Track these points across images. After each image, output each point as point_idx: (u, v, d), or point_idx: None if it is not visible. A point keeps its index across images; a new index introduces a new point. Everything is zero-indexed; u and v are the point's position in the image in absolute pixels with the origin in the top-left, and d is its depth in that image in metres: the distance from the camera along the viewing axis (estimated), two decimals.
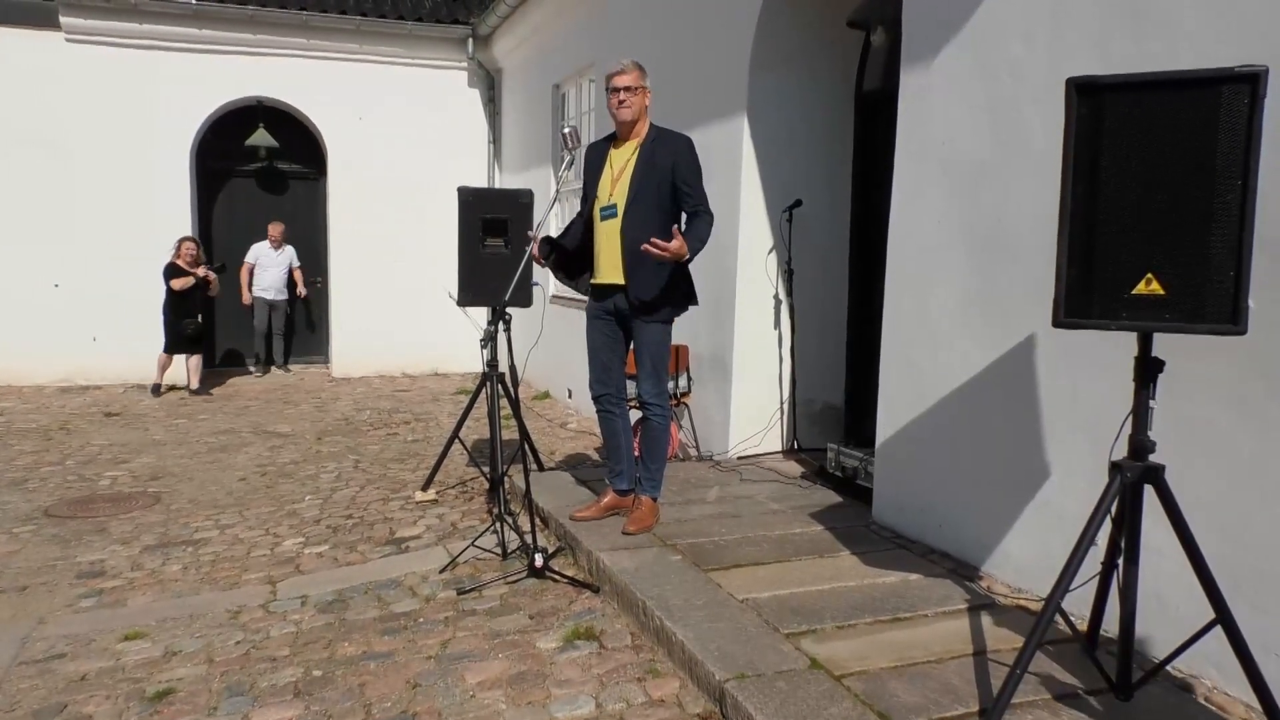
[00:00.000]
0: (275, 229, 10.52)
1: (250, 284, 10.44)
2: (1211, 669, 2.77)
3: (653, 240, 3.88)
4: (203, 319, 9.51)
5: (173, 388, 9.56)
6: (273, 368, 10.92)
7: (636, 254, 4.09)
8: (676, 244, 3.90)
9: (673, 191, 4.15)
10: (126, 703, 3.02)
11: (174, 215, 9.88)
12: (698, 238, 4.07)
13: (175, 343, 9.29)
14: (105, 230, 9.60)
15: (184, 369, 9.40)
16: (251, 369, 10.68)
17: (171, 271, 9.11)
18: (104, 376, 9.71)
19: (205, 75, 9.91)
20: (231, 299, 10.31)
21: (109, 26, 9.48)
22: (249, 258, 10.44)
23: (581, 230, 4.36)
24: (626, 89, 4.14)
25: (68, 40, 9.43)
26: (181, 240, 9.28)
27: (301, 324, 11.29)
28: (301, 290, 10.81)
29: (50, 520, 5.10)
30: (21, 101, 9.44)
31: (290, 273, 10.69)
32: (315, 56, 10.26)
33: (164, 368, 9.38)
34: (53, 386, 9.65)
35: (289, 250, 10.67)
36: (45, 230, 9.59)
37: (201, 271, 9.24)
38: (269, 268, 10.49)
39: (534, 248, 4.27)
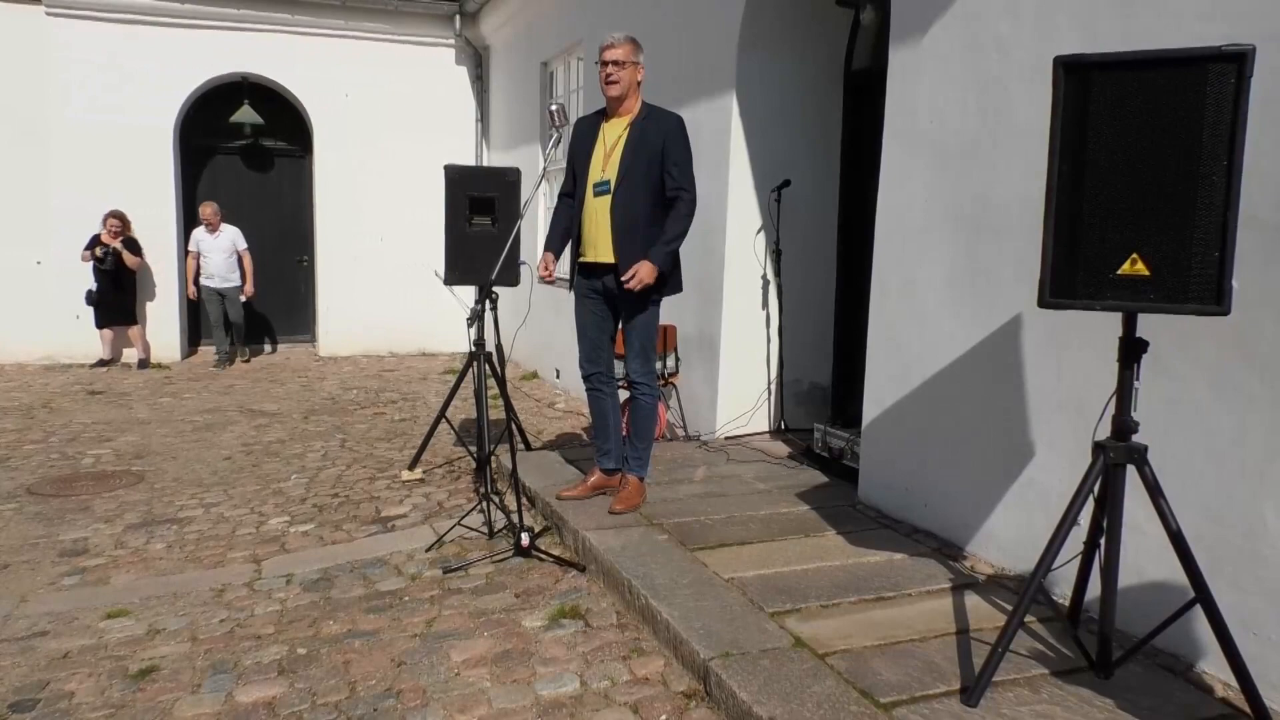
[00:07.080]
0: (206, 210, 9.72)
1: (198, 274, 9.75)
2: (1191, 647, 2.79)
3: (624, 281, 4.02)
4: (117, 288, 9.47)
5: (159, 365, 9.73)
6: (237, 359, 10.08)
7: (626, 232, 4.08)
8: (645, 269, 4.00)
9: (662, 171, 4.12)
10: (109, 680, 3.01)
11: (157, 192, 9.81)
12: (675, 233, 4.10)
13: (96, 314, 9.55)
14: (87, 207, 9.45)
15: (136, 342, 9.69)
16: (213, 365, 9.85)
17: (91, 243, 9.30)
18: (87, 355, 9.63)
19: (189, 50, 9.78)
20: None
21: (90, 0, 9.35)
22: (191, 246, 9.77)
23: (568, 216, 4.32)
24: (615, 63, 4.09)
25: (48, 13, 9.28)
26: (106, 215, 9.33)
27: (284, 304, 11.11)
28: (249, 289, 9.94)
29: (33, 498, 5.07)
30: (1, 76, 9.30)
31: (239, 258, 9.85)
32: (300, 32, 10.14)
33: (105, 342, 9.62)
34: (35, 364, 9.58)
35: (229, 231, 9.80)
36: (26, 207, 9.48)
37: (98, 253, 9.21)
38: (209, 254, 9.69)
39: (546, 270, 4.30)
